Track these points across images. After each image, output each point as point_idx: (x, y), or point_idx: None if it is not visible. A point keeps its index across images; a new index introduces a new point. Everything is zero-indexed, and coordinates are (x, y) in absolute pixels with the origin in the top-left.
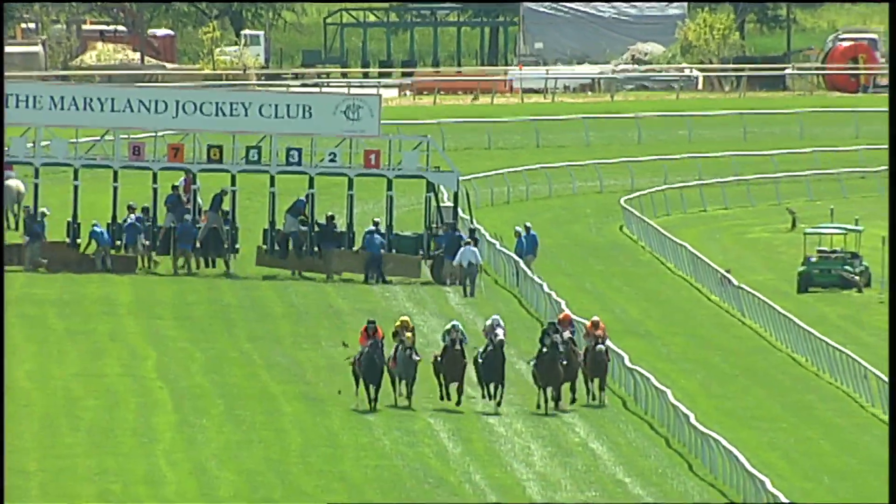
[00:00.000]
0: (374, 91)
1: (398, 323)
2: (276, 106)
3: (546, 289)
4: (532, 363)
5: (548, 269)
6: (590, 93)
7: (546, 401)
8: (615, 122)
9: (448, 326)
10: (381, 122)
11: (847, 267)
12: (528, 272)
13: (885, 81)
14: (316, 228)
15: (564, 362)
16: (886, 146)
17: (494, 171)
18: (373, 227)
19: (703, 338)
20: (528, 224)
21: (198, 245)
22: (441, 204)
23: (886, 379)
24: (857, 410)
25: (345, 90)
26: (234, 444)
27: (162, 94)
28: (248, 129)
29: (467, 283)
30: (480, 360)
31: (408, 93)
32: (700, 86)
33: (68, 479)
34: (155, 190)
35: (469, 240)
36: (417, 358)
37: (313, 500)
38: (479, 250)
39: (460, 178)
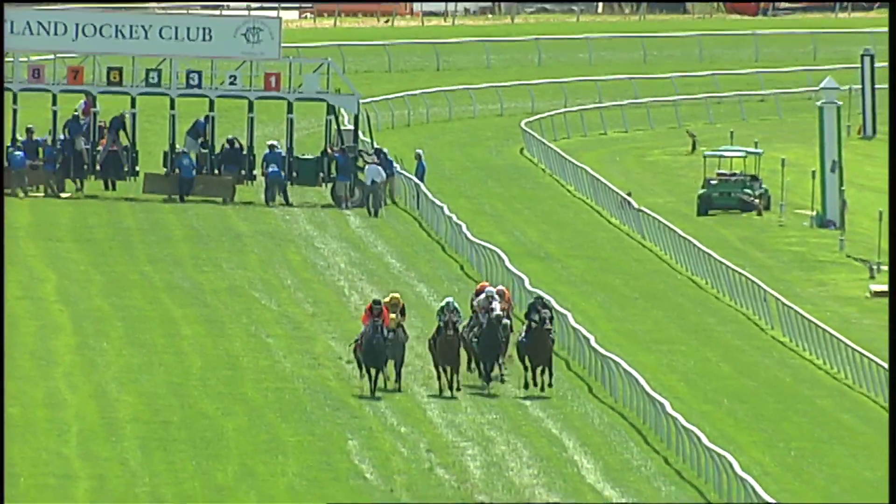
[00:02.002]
0: (274, 14)
1: (387, 299)
2: (177, 28)
3: (447, 211)
4: (520, 338)
5: (448, 191)
6: (490, 15)
7: (534, 378)
8: (515, 45)
9: (442, 304)
10: (282, 44)
11: (747, 190)
12: (429, 194)
13: (784, 4)
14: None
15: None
16: (786, 69)
17: (395, 94)
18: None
19: (604, 260)
20: (420, 152)
21: (97, 168)
22: (342, 127)
23: (785, 301)
24: (756, 333)
25: (245, 13)
26: (134, 366)
27: (62, 16)
28: (149, 52)
29: (371, 201)
30: (476, 340)
31: (308, 15)
32: (600, 9)
33: None
34: (55, 112)
35: (374, 158)
36: (405, 337)
37: (213, 422)
38: (383, 168)
39: (361, 100)
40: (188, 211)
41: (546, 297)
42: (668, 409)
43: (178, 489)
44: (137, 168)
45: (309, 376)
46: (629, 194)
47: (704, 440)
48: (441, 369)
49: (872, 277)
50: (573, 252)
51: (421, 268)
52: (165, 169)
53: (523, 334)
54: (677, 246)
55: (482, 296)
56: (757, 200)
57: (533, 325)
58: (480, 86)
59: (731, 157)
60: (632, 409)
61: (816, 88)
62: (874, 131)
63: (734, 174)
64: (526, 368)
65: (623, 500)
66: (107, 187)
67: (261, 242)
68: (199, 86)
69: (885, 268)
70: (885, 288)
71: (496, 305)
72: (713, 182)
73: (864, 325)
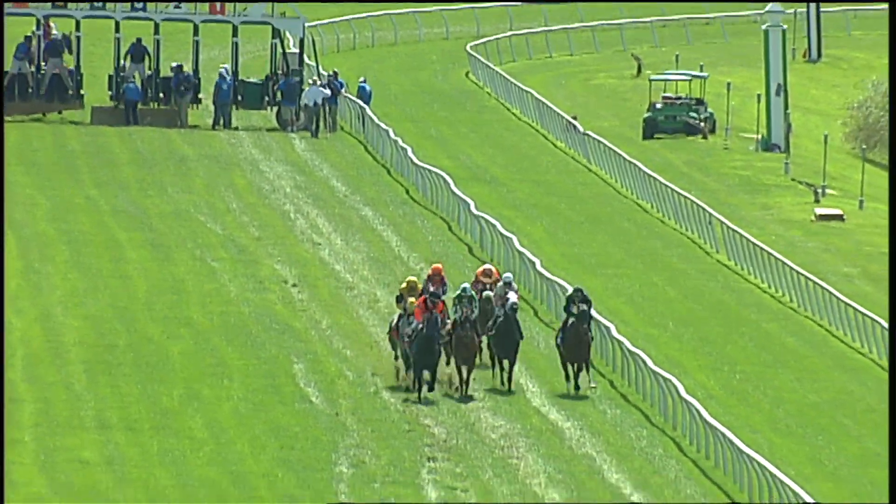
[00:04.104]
0: None
1: (404, 285)
2: None
3: (392, 135)
4: (557, 336)
5: (394, 115)
6: None
7: (575, 376)
8: None
9: (458, 292)
10: None
11: (692, 113)
12: (374, 118)
13: None
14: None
15: (590, 335)
16: None
17: (340, 17)
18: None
19: (549, 184)
20: (363, 78)
21: (41, 92)
22: (287, 50)
23: (731, 225)
24: (701, 257)
25: None
26: (79, 290)
27: None
28: None
29: (313, 122)
30: (491, 333)
31: None
32: None
33: None
34: None
35: (316, 79)
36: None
37: (158, 346)
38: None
39: (306, 24)
40: (133, 135)
41: (584, 289)
42: (614, 332)
43: (124, 413)
44: (82, 91)
45: (254, 300)
46: (575, 118)
47: (650, 363)
48: (456, 366)
49: (817, 201)
50: (518, 176)
51: (366, 191)
52: (111, 93)
53: (560, 330)
54: (623, 170)
55: (500, 283)
56: (702, 124)
57: (571, 320)
58: (426, 9)
59: (677, 81)
60: None
61: (762, 12)
62: (819, 55)
63: (679, 98)
64: (565, 369)
65: (568, 424)
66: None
67: (206, 166)
68: (143, 9)
69: (830, 191)
70: (830, 211)
71: (512, 295)
72: (658, 106)
73: (808, 249)
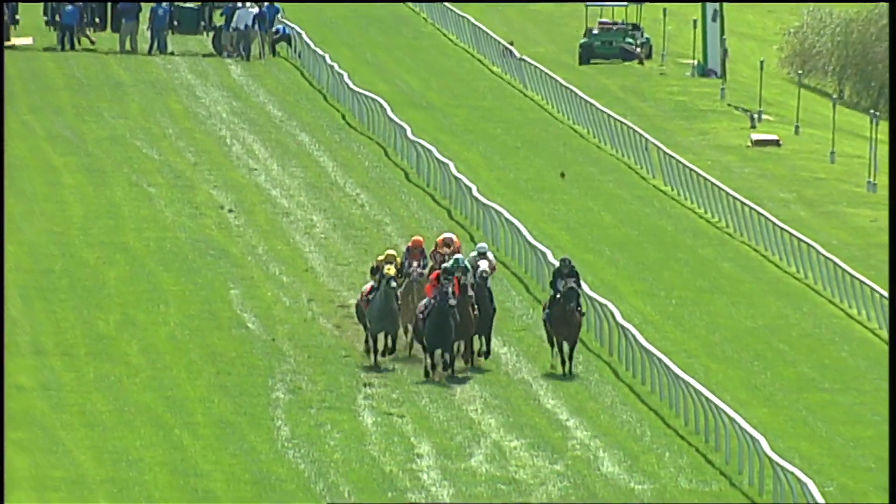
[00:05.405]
0: None
1: (382, 257)
2: None
3: (328, 60)
4: (544, 311)
5: (330, 40)
6: None
7: (569, 358)
8: None
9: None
10: None
11: (628, 39)
12: (311, 44)
13: None
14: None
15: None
16: None
17: None
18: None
19: (485, 109)
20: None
21: None
22: None
23: (667, 150)
24: (637, 182)
25: None
26: (15, 216)
27: None
28: None
29: (242, 46)
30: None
31: None
32: None
33: None
34: None
35: (247, 2)
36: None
37: (94, 271)
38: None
39: None
40: (69, 60)
41: (570, 259)
42: (550, 258)
43: (60, 338)
44: (18, 17)
45: (190, 225)
46: (511, 43)
47: (586, 289)
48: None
49: (753, 126)
50: (455, 101)
51: (303, 117)
52: (46, 17)
53: (547, 305)
54: (559, 95)
55: (472, 253)
56: (638, 49)
57: (557, 295)
58: None
59: (613, 7)
60: (514, 258)
61: None
62: None
63: (616, 23)
64: (552, 345)
65: (504, 350)
66: None
67: (142, 91)
68: None
69: (766, 117)
70: (766, 137)
71: (483, 263)
72: (595, 31)
73: (744, 174)
